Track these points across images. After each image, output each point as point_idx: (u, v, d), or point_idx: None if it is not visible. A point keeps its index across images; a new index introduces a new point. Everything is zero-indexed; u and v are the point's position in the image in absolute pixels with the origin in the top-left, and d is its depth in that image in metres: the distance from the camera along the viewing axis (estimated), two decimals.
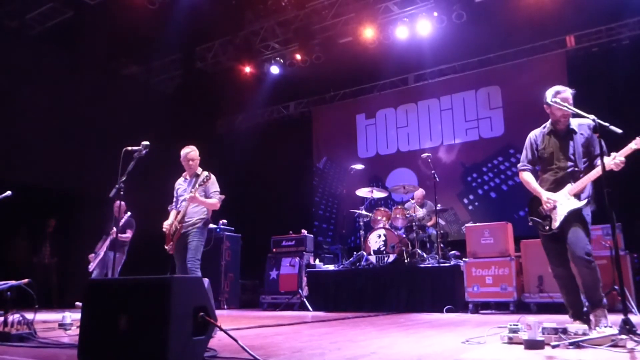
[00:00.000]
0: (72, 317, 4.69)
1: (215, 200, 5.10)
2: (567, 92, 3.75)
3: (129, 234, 7.52)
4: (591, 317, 3.57)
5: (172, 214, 5.23)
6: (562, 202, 3.69)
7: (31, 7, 9.67)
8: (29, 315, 3.83)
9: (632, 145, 3.47)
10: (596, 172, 3.59)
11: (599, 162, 3.49)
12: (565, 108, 3.66)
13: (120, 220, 7.51)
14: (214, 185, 5.15)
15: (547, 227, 3.73)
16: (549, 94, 3.76)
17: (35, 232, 10.05)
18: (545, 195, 3.77)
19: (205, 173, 5.13)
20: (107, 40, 10.02)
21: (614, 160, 3.46)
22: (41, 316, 6.03)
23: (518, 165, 4.05)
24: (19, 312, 3.76)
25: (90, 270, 7.38)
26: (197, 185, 4.98)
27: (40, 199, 9.74)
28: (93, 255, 7.43)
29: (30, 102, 9.40)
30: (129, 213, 7.57)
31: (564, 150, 3.80)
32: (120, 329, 2.67)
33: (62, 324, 4.66)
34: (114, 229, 7.34)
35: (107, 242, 7.35)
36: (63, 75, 10.00)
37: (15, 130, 9.15)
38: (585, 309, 3.67)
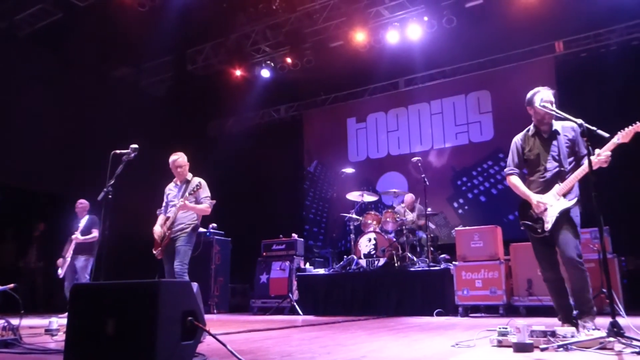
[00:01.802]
0: (59, 322, 4.64)
1: (206, 205, 5.10)
2: (549, 93, 3.79)
3: (95, 234, 7.40)
4: (579, 323, 3.58)
5: (160, 218, 5.21)
6: (552, 203, 3.71)
7: (20, 8, 9.58)
8: (15, 321, 3.78)
9: (615, 140, 3.49)
10: (582, 170, 3.63)
11: (585, 161, 3.53)
12: (554, 113, 3.70)
13: (81, 220, 7.46)
14: (204, 190, 5.16)
15: (540, 230, 3.74)
16: (537, 98, 3.79)
17: (21, 236, 9.93)
18: (535, 198, 3.77)
19: (196, 180, 5.14)
20: (97, 42, 9.95)
21: (600, 156, 3.49)
22: (27, 321, 5.96)
23: (505, 170, 4.06)
24: (4, 317, 3.70)
25: (61, 276, 7.27)
26: (187, 194, 4.96)
27: (27, 202, 9.65)
28: (61, 260, 7.32)
29: (19, 103, 9.32)
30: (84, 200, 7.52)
31: (548, 152, 3.83)
32: (107, 334, 2.64)
33: (48, 329, 4.60)
34: (75, 233, 7.28)
35: (73, 246, 7.26)
36: (52, 77, 9.93)
37: (2, 132, 9.06)
38: (574, 312, 3.68)
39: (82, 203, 7.62)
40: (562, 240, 3.62)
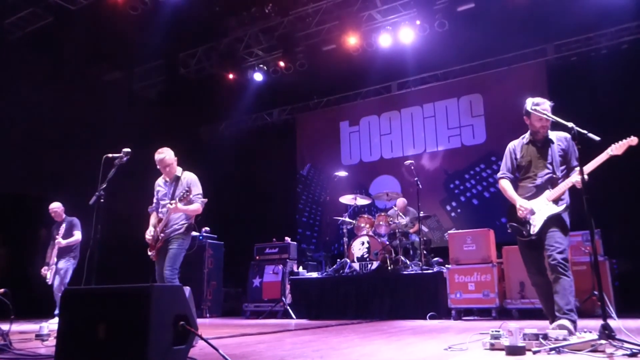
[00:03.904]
0: (50, 327, 4.61)
1: (198, 205, 4.94)
2: (546, 104, 3.84)
3: (77, 236, 7.34)
4: (553, 324, 3.53)
5: (153, 217, 5.09)
6: (541, 208, 3.75)
7: (10, 12, 9.52)
8: (5, 326, 3.75)
9: (609, 151, 3.56)
10: (572, 179, 3.67)
11: (577, 170, 3.58)
12: (545, 116, 3.73)
13: (61, 224, 7.41)
14: (196, 187, 4.96)
15: (526, 233, 3.78)
16: (529, 104, 3.83)
17: (15, 241, 9.85)
18: (519, 202, 3.83)
19: (186, 178, 4.99)
20: (89, 46, 9.91)
21: (578, 178, 3.53)
22: (18, 327, 5.91)
23: (498, 173, 4.12)
24: None
25: (50, 283, 7.21)
26: (177, 199, 4.82)
27: (18, 206, 9.58)
28: (46, 267, 7.25)
29: (9, 107, 9.25)
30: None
31: (541, 159, 3.89)
32: (98, 339, 2.62)
33: (39, 334, 4.56)
34: (57, 237, 7.23)
35: (55, 250, 7.20)
36: (43, 81, 9.86)
37: None
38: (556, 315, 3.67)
39: (54, 208, 7.55)
40: (549, 244, 3.65)
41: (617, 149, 3.55)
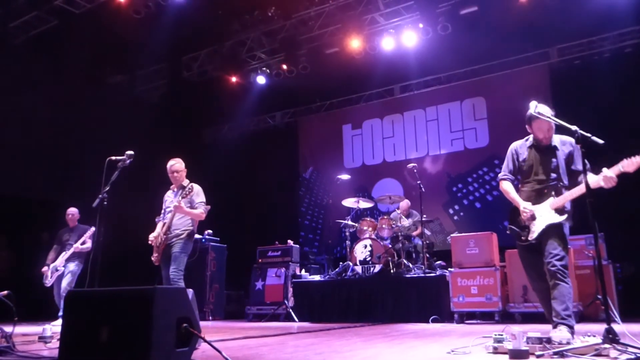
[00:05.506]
0: (53, 329, 4.62)
1: (201, 210, 5.10)
2: (546, 108, 3.76)
3: (89, 244, 7.37)
4: (550, 332, 3.47)
5: (159, 225, 5.23)
6: (543, 215, 3.70)
7: (15, 16, 9.57)
8: (8, 328, 3.75)
9: (620, 168, 3.40)
10: (579, 190, 3.56)
11: (582, 178, 3.44)
12: (548, 119, 3.68)
13: (73, 230, 7.43)
14: (199, 195, 5.16)
15: (524, 237, 3.75)
16: (531, 106, 3.78)
17: (18, 243, 9.87)
18: (522, 204, 3.78)
19: (192, 186, 5.12)
20: (92, 49, 9.94)
21: (603, 174, 3.41)
22: (21, 329, 5.92)
23: (499, 174, 4.07)
24: None
25: (48, 285, 7.21)
26: (180, 197, 4.97)
27: (20, 209, 9.60)
28: (46, 268, 7.25)
29: (13, 110, 9.28)
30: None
31: (544, 165, 3.80)
32: (101, 341, 2.63)
33: (42, 336, 4.58)
34: (70, 241, 7.25)
35: (67, 255, 7.21)
36: (47, 84, 9.90)
37: None
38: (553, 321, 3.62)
39: (73, 212, 7.57)
40: (548, 252, 3.61)
41: (628, 165, 3.38)
